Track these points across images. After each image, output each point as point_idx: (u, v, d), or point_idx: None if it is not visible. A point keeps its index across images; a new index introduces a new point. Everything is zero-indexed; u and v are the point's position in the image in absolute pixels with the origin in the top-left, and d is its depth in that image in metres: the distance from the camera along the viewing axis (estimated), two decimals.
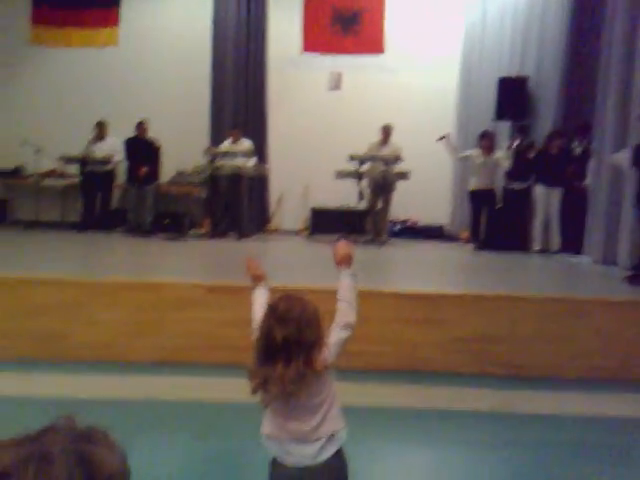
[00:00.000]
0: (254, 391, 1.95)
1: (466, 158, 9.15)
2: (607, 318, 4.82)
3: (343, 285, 2.14)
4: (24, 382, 4.26)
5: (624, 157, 6.57)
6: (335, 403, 2.01)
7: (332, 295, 4.63)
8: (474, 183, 9.00)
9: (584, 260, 7.86)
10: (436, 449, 3.81)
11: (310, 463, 1.95)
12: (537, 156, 8.79)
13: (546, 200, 8.72)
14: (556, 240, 8.70)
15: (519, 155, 8.86)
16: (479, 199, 9.04)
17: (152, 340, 4.62)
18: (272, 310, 1.97)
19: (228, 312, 4.42)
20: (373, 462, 3.46)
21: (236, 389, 4.20)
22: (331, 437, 1.98)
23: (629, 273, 6.17)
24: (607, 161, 7.09)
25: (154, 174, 9.67)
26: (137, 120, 9.65)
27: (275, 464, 2.01)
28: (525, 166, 8.82)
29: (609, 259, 7.42)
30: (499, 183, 9.18)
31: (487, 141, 8.88)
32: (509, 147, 8.98)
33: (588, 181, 8.32)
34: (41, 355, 4.57)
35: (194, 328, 4.64)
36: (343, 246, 2.27)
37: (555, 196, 8.68)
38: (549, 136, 8.86)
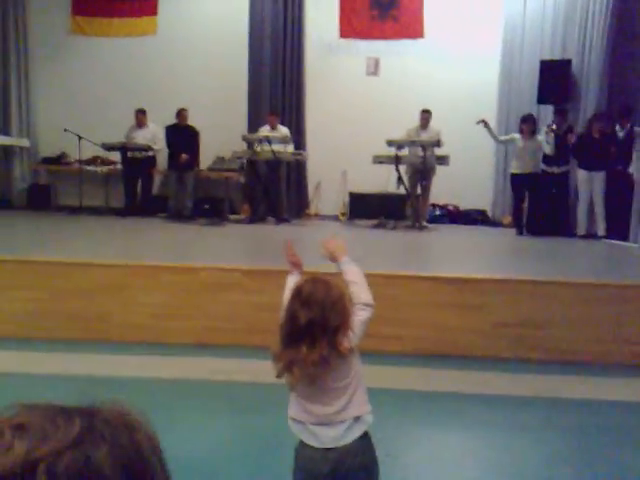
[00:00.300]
0: (279, 375, 1.95)
1: (508, 141, 8.99)
2: None
3: (348, 272, 2.13)
4: (67, 361, 4.37)
5: None
6: (361, 386, 1.99)
7: (379, 279, 4.66)
8: (516, 167, 8.87)
9: (630, 246, 7.67)
10: (472, 433, 3.77)
11: (335, 445, 1.94)
12: (579, 140, 8.61)
13: (589, 184, 8.54)
14: (601, 225, 8.53)
15: (557, 139, 8.66)
16: (521, 183, 8.89)
17: (190, 322, 4.67)
18: (297, 293, 1.95)
19: (264, 296, 4.43)
20: (410, 446, 3.45)
21: (271, 371, 4.28)
22: (356, 420, 1.96)
23: None
24: None
25: (194, 160, 9.77)
26: (176, 108, 9.75)
27: (301, 445, 2.01)
28: (563, 150, 8.64)
29: None
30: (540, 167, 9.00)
31: (528, 125, 8.73)
32: (547, 131, 8.77)
33: (633, 167, 8.09)
34: (83, 336, 4.67)
35: (231, 311, 4.68)
36: (332, 241, 2.27)
37: (598, 180, 8.50)
38: (590, 119, 8.71)
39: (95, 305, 4.73)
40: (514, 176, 8.94)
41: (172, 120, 9.79)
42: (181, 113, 9.74)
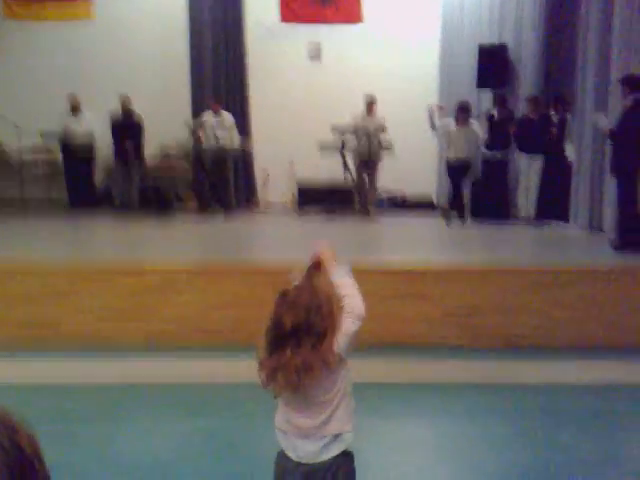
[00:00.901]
0: (264, 385, 1.91)
1: (441, 128, 8.95)
2: (594, 286, 4.90)
3: (342, 285, 2.03)
4: (13, 369, 4.27)
5: (604, 122, 6.59)
6: (346, 403, 1.97)
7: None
8: (450, 153, 8.84)
9: (570, 228, 7.96)
10: (424, 421, 3.90)
11: (311, 461, 1.94)
12: (518, 124, 8.80)
13: (527, 168, 8.81)
14: (531, 208, 8.79)
15: (497, 125, 8.83)
16: (455, 170, 8.88)
17: (137, 325, 4.63)
18: (282, 297, 1.92)
19: (213, 295, 4.43)
20: (363, 438, 3.53)
21: (221, 370, 4.30)
22: (336, 437, 1.95)
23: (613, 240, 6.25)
24: (591, 119, 7.09)
25: (139, 150, 9.54)
26: (117, 95, 9.49)
27: (280, 456, 2.01)
28: (504, 136, 8.84)
29: (595, 226, 7.51)
30: (476, 154, 9.10)
31: (462, 112, 8.72)
32: (488, 118, 8.93)
33: (568, 152, 8.36)
34: (29, 343, 4.57)
35: (179, 312, 4.65)
36: (323, 248, 2.14)
37: (536, 164, 8.74)
38: (527, 100, 8.89)
39: (41, 311, 4.63)
40: (449, 163, 8.94)
41: (113, 108, 9.53)
42: (122, 100, 9.46)
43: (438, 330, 4.82)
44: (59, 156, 10.00)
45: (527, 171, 8.76)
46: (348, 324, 1.93)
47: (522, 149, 8.80)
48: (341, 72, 10.70)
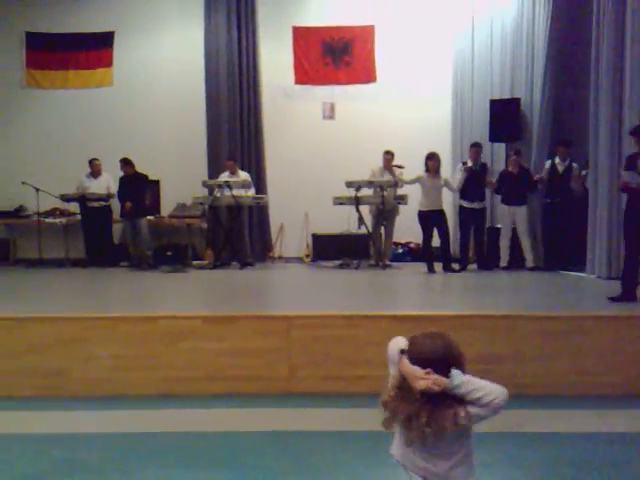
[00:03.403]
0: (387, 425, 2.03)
1: (415, 181, 8.86)
2: (611, 333, 4.78)
3: (469, 392, 1.98)
4: (23, 420, 4.23)
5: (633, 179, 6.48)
6: (468, 457, 2.01)
7: (340, 320, 4.67)
8: (423, 204, 8.77)
9: (576, 275, 7.90)
10: None
11: None
12: (499, 177, 9.06)
13: (510, 219, 9.01)
14: (529, 257, 8.96)
15: (474, 176, 8.96)
16: (429, 220, 8.78)
17: (149, 373, 4.59)
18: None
19: (225, 342, 4.40)
20: None
21: (235, 419, 4.23)
22: None
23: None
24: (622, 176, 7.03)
25: (141, 208, 9.70)
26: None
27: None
28: (480, 187, 9.02)
29: (613, 274, 7.41)
30: (446, 202, 9.28)
31: (433, 162, 8.72)
32: (461, 169, 9.01)
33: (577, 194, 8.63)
34: (40, 393, 4.55)
35: (191, 359, 4.62)
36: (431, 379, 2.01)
37: (520, 214, 8.95)
38: (507, 155, 9.17)
39: (52, 360, 4.62)
40: (422, 213, 8.80)
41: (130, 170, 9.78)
42: (124, 163, 9.70)
43: None
44: (78, 217, 10.25)
45: (509, 221, 9.05)
46: (484, 411, 1.97)
47: (503, 201, 9.12)
48: (355, 128, 10.92)
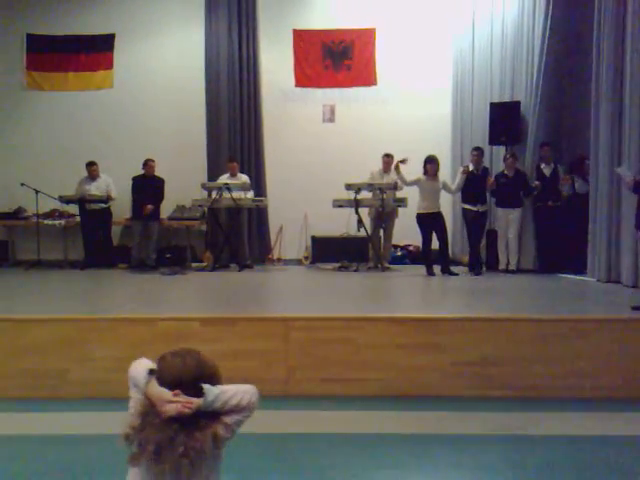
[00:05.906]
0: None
1: (414, 183, 8.89)
2: (612, 336, 4.77)
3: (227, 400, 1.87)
4: (20, 421, 4.22)
5: (626, 174, 6.51)
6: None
7: (339, 322, 4.65)
8: (422, 207, 8.79)
9: (587, 278, 7.88)
10: (440, 475, 3.73)
11: None
12: (495, 180, 9.05)
13: (506, 222, 9.07)
14: (512, 260, 9.04)
15: (477, 180, 8.97)
16: (428, 222, 8.80)
17: None
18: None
19: (223, 344, 4.38)
20: None
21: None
22: None
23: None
24: (615, 171, 7.05)
25: (158, 210, 9.80)
26: (140, 158, 9.80)
27: None
28: (480, 190, 9.01)
29: (612, 278, 7.40)
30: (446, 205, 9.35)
31: (432, 165, 8.76)
32: (462, 172, 9.01)
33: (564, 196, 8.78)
34: (38, 394, 4.53)
35: None
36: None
37: (513, 217, 9.00)
38: (504, 158, 9.20)
39: (50, 361, 4.60)
40: (420, 216, 8.83)
41: (132, 170, 9.81)
42: (148, 164, 9.77)
43: (450, 380, 4.70)
44: (77, 219, 10.24)
45: (505, 224, 9.08)
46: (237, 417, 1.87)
47: (498, 204, 9.17)
48: (354, 131, 10.93)
